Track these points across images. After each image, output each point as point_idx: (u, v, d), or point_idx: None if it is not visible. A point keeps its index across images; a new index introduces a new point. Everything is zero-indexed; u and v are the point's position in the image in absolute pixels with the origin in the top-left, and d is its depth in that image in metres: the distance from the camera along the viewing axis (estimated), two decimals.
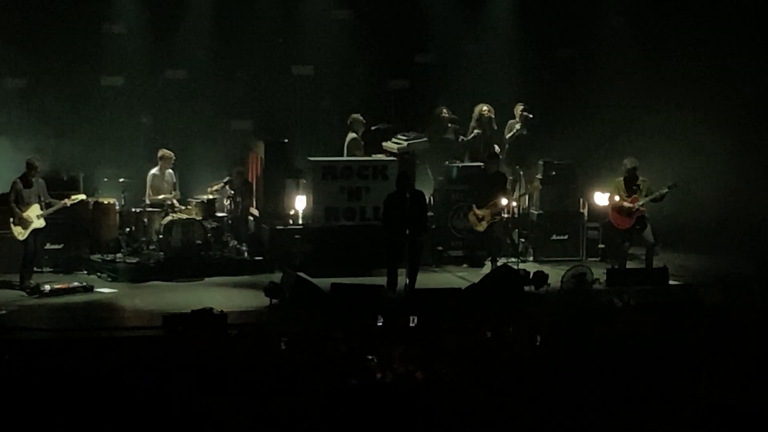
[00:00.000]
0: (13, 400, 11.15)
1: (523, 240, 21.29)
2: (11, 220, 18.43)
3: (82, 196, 19.33)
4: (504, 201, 20.13)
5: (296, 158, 21.41)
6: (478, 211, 20.32)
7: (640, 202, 19.57)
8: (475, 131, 21.82)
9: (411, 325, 14.61)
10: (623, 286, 18.57)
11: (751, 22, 23.17)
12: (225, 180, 20.64)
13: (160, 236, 19.86)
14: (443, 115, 21.97)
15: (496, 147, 21.80)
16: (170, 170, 20.54)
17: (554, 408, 9.99)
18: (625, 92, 22.96)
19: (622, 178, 19.72)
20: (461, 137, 21.90)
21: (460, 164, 21.50)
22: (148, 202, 20.30)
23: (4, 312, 17.03)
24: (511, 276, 18.46)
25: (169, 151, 20.51)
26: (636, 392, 10.92)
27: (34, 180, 18.56)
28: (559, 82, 23.15)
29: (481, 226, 20.37)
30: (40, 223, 18.55)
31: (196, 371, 12.34)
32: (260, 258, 20.22)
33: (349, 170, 20.44)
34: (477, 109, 21.87)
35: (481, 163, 21.03)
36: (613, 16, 23.21)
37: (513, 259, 19.98)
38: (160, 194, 20.34)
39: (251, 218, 20.93)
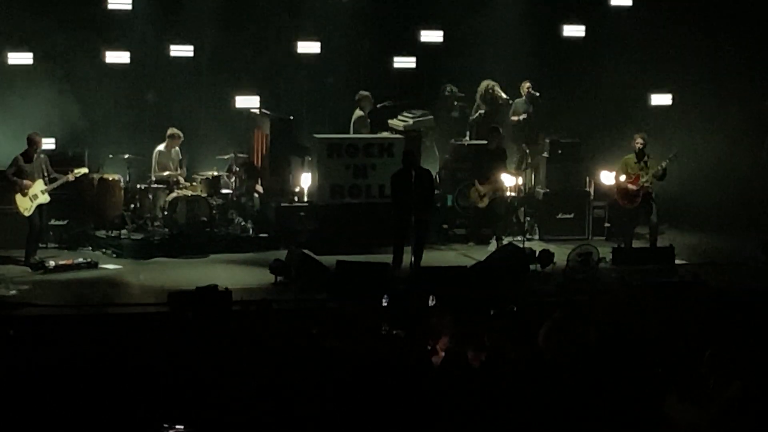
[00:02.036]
0: (19, 376, 11.15)
1: (528, 218, 21.25)
2: (16, 195, 18.40)
3: (85, 170, 19.31)
4: (506, 177, 20.10)
5: (302, 135, 21.37)
6: (480, 187, 20.30)
7: (643, 180, 19.54)
8: (480, 111, 21.81)
9: (431, 304, 14.58)
10: (629, 265, 18.58)
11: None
12: (228, 155, 20.68)
13: (165, 213, 19.84)
14: (449, 92, 21.94)
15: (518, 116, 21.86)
16: (176, 148, 20.50)
17: (557, 393, 9.95)
18: (631, 70, 22.88)
19: (631, 155, 19.68)
20: (469, 116, 21.93)
21: (467, 142, 21.47)
22: (153, 178, 20.27)
23: (14, 293, 16.97)
24: (517, 254, 18.45)
25: (178, 131, 20.46)
26: (639, 375, 10.88)
27: (35, 155, 18.54)
28: (566, 59, 23.06)
29: (483, 202, 20.35)
30: (44, 199, 18.54)
31: (202, 347, 12.35)
32: (265, 235, 20.19)
33: (355, 148, 20.37)
34: (482, 86, 21.87)
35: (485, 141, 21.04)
36: None
37: (519, 238, 19.97)
38: (165, 171, 20.31)
39: (256, 195, 20.89)
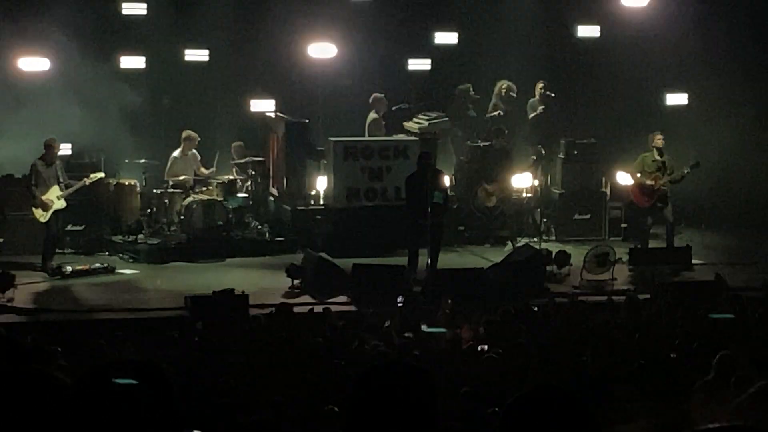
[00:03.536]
0: (36, 382, 11.13)
1: (545, 219, 21.22)
2: (33, 202, 18.49)
3: (101, 174, 19.39)
4: (520, 178, 20.07)
5: (317, 139, 21.38)
6: (487, 187, 20.31)
7: (662, 181, 19.52)
8: (498, 111, 21.78)
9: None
10: (646, 265, 18.54)
11: None
12: (244, 159, 20.72)
13: (182, 217, 19.86)
14: (473, 92, 21.94)
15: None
16: (194, 151, 20.51)
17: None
18: (646, 69, 22.84)
19: (648, 153, 19.66)
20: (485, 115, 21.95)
21: (482, 143, 21.43)
22: (170, 183, 20.29)
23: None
24: (534, 255, 18.41)
25: (194, 133, 20.50)
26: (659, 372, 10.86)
27: (52, 161, 18.61)
28: (580, 59, 23.02)
29: (491, 201, 20.36)
30: (61, 204, 18.60)
31: (220, 351, 12.35)
32: (282, 239, 20.21)
33: (370, 150, 20.37)
34: (498, 87, 21.85)
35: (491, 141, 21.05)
36: None
37: (535, 239, 19.93)
38: (181, 176, 20.33)
39: (271, 198, 20.89)
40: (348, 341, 12.83)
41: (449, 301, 14.75)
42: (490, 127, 21.57)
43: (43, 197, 18.46)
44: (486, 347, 12.04)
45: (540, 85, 21.93)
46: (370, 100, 21.38)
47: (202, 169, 20.52)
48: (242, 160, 20.82)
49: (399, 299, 14.95)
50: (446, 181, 19.01)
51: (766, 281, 17.21)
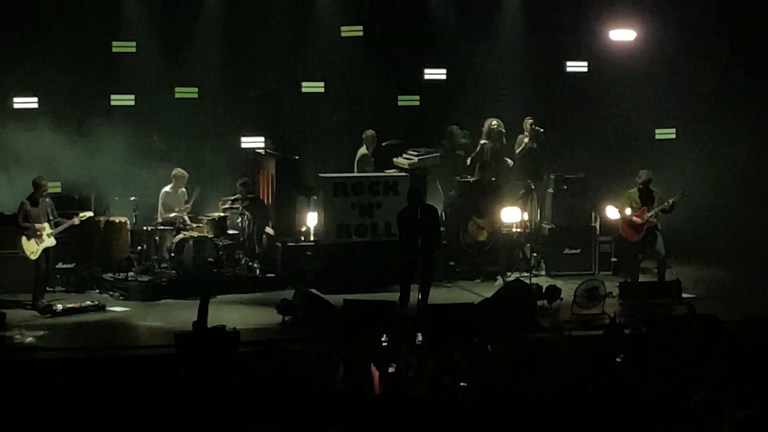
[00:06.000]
0: (27, 420, 11.14)
1: (535, 254, 21.25)
2: (22, 239, 18.47)
3: (90, 213, 19.37)
4: (509, 212, 20.12)
5: (307, 175, 21.42)
6: (478, 221, 20.36)
7: (649, 214, 19.55)
8: (486, 147, 21.83)
9: (417, 342, 14.52)
10: (636, 299, 18.57)
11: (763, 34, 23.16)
12: (233, 197, 20.69)
13: (172, 254, 19.86)
14: (459, 133, 22.02)
15: (509, 161, 21.87)
16: (183, 189, 20.56)
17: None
18: (635, 104, 22.93)
19: (634, 190, 19.72)
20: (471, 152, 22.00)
21: (471, 178, 21.47)
22: (160, 220, 20.31)
23: (31, 339, 16.94)
24: (524, 290, 18.42)
25: (183, 171, 20.54)
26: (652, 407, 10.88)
27: (41, 199, 18.61)
28: (569, 95, 23.13)
29: (483, 236, 20.42)
30: (50, 242, 18.59)
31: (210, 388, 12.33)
32: (272, 275, 20.20)
33: (361, 186, 20.42)
34: (487, 123, 21.91)
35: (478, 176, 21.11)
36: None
37: (525, 274, 19.95)
38: (172, 212, 20.34)
39: (265, 237, 20.84)
40: (340, 375, 12.82)
41: (416, 340, 14.59)
42: (476, 163, 21.61)
43: (33, 233, 18.43)
44: (465, 384, 12.01)
45: (529, 120, 21.99)
46: (363, 137, 21.44)
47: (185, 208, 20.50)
48: (232, 198, 20.75)
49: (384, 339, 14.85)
50: (437, 217, 19.07)
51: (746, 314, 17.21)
